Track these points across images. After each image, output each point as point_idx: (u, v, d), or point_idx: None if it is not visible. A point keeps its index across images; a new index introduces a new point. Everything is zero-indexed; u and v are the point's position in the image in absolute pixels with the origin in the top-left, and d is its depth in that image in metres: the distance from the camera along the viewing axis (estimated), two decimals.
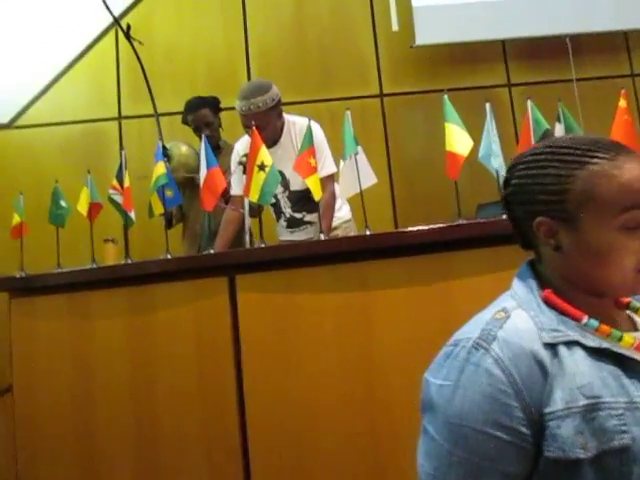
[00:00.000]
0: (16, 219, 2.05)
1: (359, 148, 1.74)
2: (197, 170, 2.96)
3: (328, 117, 3.90)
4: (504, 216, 1.65)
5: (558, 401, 0.70)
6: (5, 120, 3.86)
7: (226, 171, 2.50)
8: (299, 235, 2.65)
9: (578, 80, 3.88)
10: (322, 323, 1.63)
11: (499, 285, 1.62)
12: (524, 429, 0.70)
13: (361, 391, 1.57)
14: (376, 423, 1.56)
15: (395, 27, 3.97)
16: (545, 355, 0.72)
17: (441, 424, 0.73)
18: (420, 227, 1.62)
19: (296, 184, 2.49)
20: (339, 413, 1.57)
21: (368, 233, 1.66)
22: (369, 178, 1.75)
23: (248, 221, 2.12)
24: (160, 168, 1.82)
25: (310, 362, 1.62)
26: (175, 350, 1.74)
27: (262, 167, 1.76)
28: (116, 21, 3.33)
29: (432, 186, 3.81)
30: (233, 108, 3.75)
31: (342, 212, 2.67)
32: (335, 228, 2.54)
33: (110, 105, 3.92)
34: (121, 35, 3.87)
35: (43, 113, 3.87)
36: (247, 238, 2.10)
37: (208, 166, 1.80)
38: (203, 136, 1.88)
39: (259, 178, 1.75)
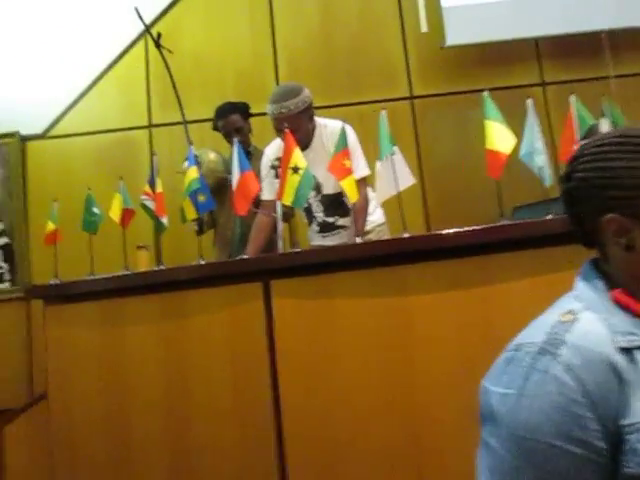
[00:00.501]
0: (50, 226, 2.06)
1: (395, 148, 1.69)
2: (225, 177, 2.95)
3: (357, 121, 3.84)
4: (549, 216, 1.59)
5: (638, 412, 0.63)
6: (39, 131, 3.92)
7: (256, 176, 2.48)
8: (332, 240, 2.60)
9: (616, 77, 3.76)
10: (360, 329, 1.57)
11: (541, 288, 1.56)
12: (599, 443, 0.63)
13: (401, 400, 1.51)
14: (418, 434, 1.49)
15: (424, 28, 3.91)
16: (620, 360, 0.66)
17: (505, 437, 0.67)
18: (459, 229, 1.55)
19: (328, 188, 2.45)
20: (378, 423, 1.51)
21: (406, 235, 1.60)
22: (406, 179, 1.69)
23: (281, 226, 2.08)
24: (192, 173, 1.80)
25: (348, 370, 1.56)
26: (209, 358, 1.70)
27: (296, 170, 1.72)
28: (147, 29, 3.35)
29: (464, 189, 3.73)
30: (262, 114, 3.77)
31: (375, 216, 2.61)
32: (368, 232, 2.49)
33: (140, 114, 3.95)
34: (150, 44, 3.90)
35: (75, 123, 3.92)
36: (280, 243, 2.06)
37: (241, 170, 1.77)
38: (235, 140, 1.85)
39: (293, 181, 1.71)
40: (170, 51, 3.15)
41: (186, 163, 2.94)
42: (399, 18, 3.99)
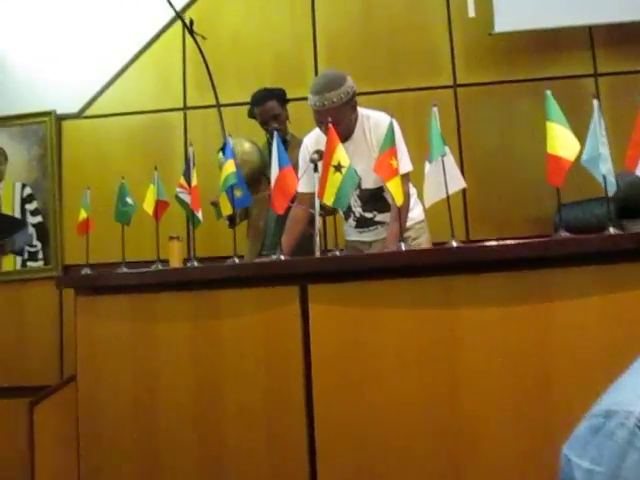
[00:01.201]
0: (82, 214, 2.01)
1: (447, 149, 1.58)
2: (260, 167, 2.86)
3: (397, 108, 3.71)
4: (611, 229, 1.46)
5: None
6: (75, 110, 3.89)
7: (294, 166, 2.39)
8: (368, 236, 2.51)
9: None
10: (401, 341, 1.49)
11: (606, 308, 1.45)
12: None
13: (444, 420, 1.42)
14: (460, 458, 1.41)
15: (472, 13, 3.72)
16: None
17: None
18: (516, 241, 1.44)
19: (368, 182, 2.35)
20: (418, 442, 1.43)
21: (454, 245, 1.49)
22: (457, 182, 1.58)
23: (318, 222, 2.00)
24: (229, 167, 1.72)
25: (387, 383, 1.48)
26: (242, 361, 1.64)
27: (338, 168, 1.62)
28: (178, 16, 3.26)
29: (508, 184, 3.58)
30: (300, 99, 3.67)
31: (415, 212, 2.50)
32: (407, 229, 2.38)
33: (175, 95, 3.88)
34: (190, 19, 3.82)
35: (110, 103, 3.88)
36: (317, 240, 1.97)
37: (280, 166, 1.68)
38: (275, 135, 1.75)
39: (335, 179, 1.61)
40: (204, 37, 3.06)
41: (220, 154, 2.87)
42: (445, 1, 3.80)
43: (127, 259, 2.04)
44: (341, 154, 1.63)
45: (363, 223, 2.43)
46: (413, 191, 2.47)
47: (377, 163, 1.62)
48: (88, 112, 3.90)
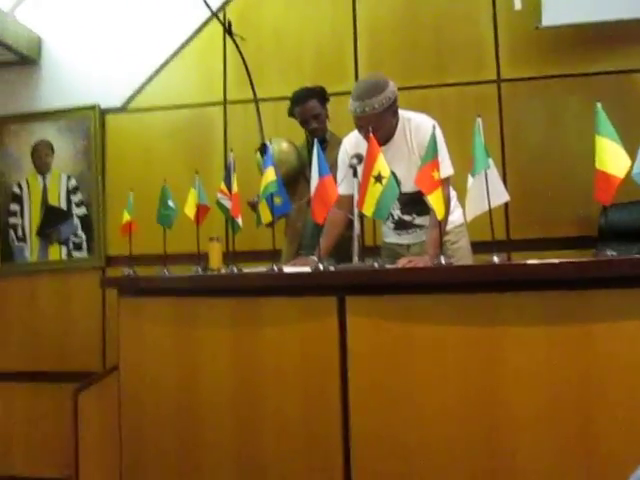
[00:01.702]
0: (126, 217, 2.05)
1: (490, 161, 1.54)
2: (298, 168, 2.86)
3: (438, 104, 3.65)
4: None
5: None
6: (118, 104, 3.96)
7: (332, 166, 2.38)
8: (407, 238, 2.49)
9: None
10: (441, 358, 1.47)
11: None
12: None
13: (482, 442, 1.41)
14: (497, 476, 1.39)
15: (518, 6, 3.60)
16: None
17: None
18: (561, 260, 1.41)
19: (408, 186, 2.31)
20: (455, 463, 1.42)
21: (496, 260, 1.46)
22: (500, 195, 1.55)
23: (357, 229, 1.99)
24: (270, 175, 1.73)
25: (425, 401, 1.47)
26: (279, 369, 1.66)
27: (379, 178, 1.61)
28: (217, 17, 3.27)
29: (551, 185, 3.47)
30: (340, 93, 3.64)
31: (454, 216, 2.47)
32: (447, 233, 2.36)
33: (216, 89, 3.90)
34: (229, 17, 3.83)
35: (153, 97, 3.93)
36: (356, 245, 1.96)
37: (320, 174, 1.68)
38: (316, 143, 1.75)
39: (375, 190, 1.60)
40: (243, 38, 3.07)
41: (258, 155, 2.88)
42: None
43: (168, 252, 2.08)
44: (382, 164, 1.61)
45: (402, 226, 2.41)
46: (453, 194, 2.43)
47: (419, 175, 1.59)
48: (131, 106, 3.96)
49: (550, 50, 3.58)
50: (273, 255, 2.62)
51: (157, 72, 3.92)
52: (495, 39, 3.66)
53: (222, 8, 3.84)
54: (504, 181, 3.57)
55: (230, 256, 1.87)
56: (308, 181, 2.83)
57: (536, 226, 3.47)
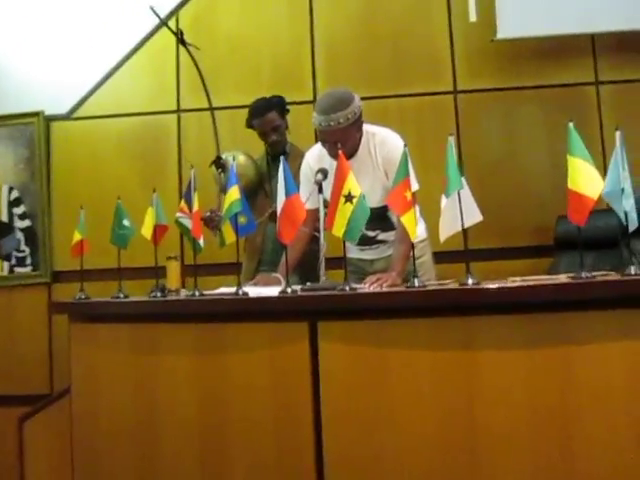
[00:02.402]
0: (77, 236, 1.92)
1: (464, 181, 1.51)
2: (256, 181, 2.76)
3: (397, 114, 3.65)
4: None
5: None
6: (64, 111, 3.77)
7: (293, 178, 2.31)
8: (370, 254, 2.45)
9: None
10: (417, 383, 1.43)
11: (629, 355, 1.40)
12: None
13: (461, 466, 1.37)
14: None
15: (473, 17, 3.63)
16: None
17: None
18: (540, 282, 1.38)
19: (372, 201, 2.25)
20: None
21: (470, 283, 1.43)
22: (474, 215, 1.52)
23: (324, 247, 1.93)
24: (234, 194, 1.64)
25: (401, 427, 1.42)
26: (248, 400, 1.57)
27: (349, 198, 1.55)
28: (167, 27, 3.14)
29: (508, 193, 3.52)
30: (298, 103, 3.58)
31: (418, 230, 2.41)
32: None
33: (169, 97, 3.77)
34: (183, 24, 3.71)
35: (102, 105, 3.76)
36: (322, 267, 1.90)
37: (287, 193, 1.60)
38: (282, 161, 1.67)
39: (345, 210, 1.54)
40: (197, 47, 2.96)
41: (213, 168, 2.77)
42: (446, 5, 3.72)
43: (122, 265, 1.96)
44: (352, 183, 1.56)
45: (366, 241, 2.36)
46: (417, 208, 2.40)
47: (391, 196, 1.55)
48: (78, 113, 3.78)
49: (505, 62, 3.64)
50: (232, 268, 2.52)
51: (106, 79, 3.75)
52: (451, 50, 3.69)
53: (174, 14, 3.72)
54: None
55: (192, 275, 1.76)
56: (268, 195, 2.76)
57: (495, 235, 3.50)
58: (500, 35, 3.50)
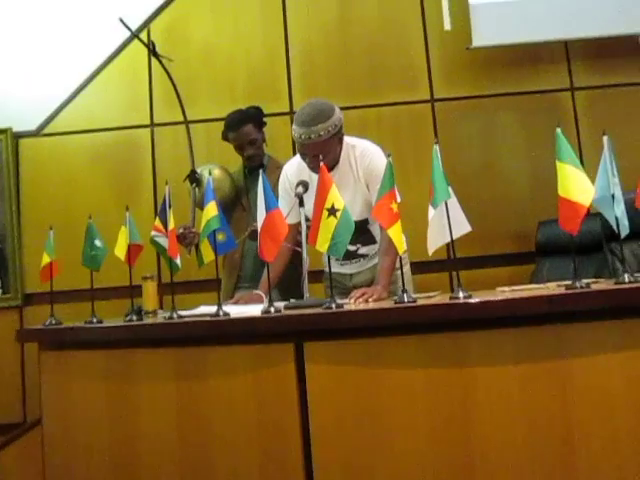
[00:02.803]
0: (45, 259, 1.81)
1: (451, 190, 1.45)
2: (232, 196, 2.68)
3: (374, 124, 3.62)
4: None
5: None
6: (33, 127, 3.65)
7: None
8: (349, 268, 2.40)
9: None
10: (409, 403, 1.36)
11: (627, 365, 1.36)
12: None
13: None
14: None
15: (447, 26, 3.63)
16: None
17: None
18: (532, 293, 1.33)
19: (353, 214, 2.17)
20: None
21: (461, 296, 1.37)
22: (462, 226, 1.47)
23: (307, 264, 1.86)
24: (211, 210, 1.56)
25: (394, 448, 1.35)
26: (232, 425, 1.49)
27: (333, 211, 1.49)
28: (136, 36, 3.07)
29: (488, 202, 3.51)
30: (274, 114, 3.52)
31: None
32: None
33: (142, 111, 3.69)
34: (155, 36, 3.63)
35: (72, 120, 3.66)
36: (306, 284, 1.83)
37: (268, 209, 1.53)
38: (261, 175, 1.60)
39: (329, 224, 1.48)
40: (171, 60, 2.89)
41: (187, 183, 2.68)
42: (421, 15, 3.72)
43: (96, 286, 1.87)
44: (335, 196, 1.49)
45: (346, 256, 2.30)
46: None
47: (376, 208, 1.49)
48: (48, 129, 3.67)
49: (481, 70, 3.64)
50: (211, 285, 2.44)
51: (76, 93, 3.66)
52: (427, 59, 3.68)
53: (146, 25, 3.64)
54: None
55: (169, 293, 1.68)
56: (245, 209, 2.68)
57: (474, 244, 3.46)
58: (475, 43, 3.51)
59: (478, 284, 2.00)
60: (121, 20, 2.77)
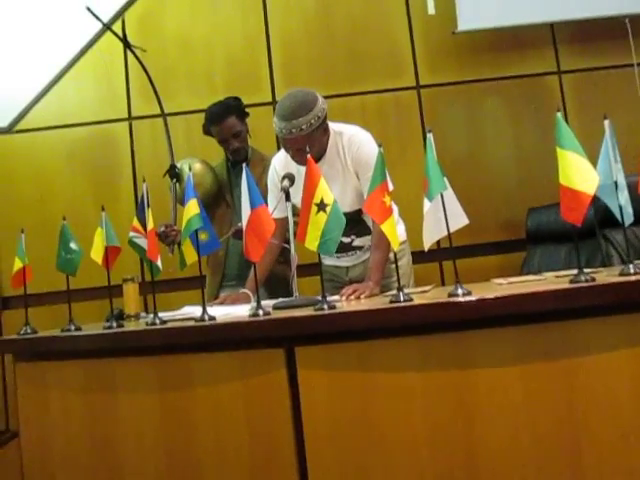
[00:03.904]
0: (17, 264, 1.71)
1: (446, 182, 1.38)
2: (215, 191, 2.56)
3: (359, 112, 3.53)
4: None
5: None
6: (4, 124, 3.50)
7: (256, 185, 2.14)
8: (346, 261, 2.31)
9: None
10: (408, 408, 1.29)
11: (637, 363, 1.30)
12: None
13: None
14: None
15: (432, 10, 3.54)
16: None
17: None
18: (538, 289, 1.26)
19: (344, 205, 2.12)
20: None
21: (460, 293, 1.30)
22: (459, 218, 1.39)
23: (295, 262, 1.78)
24: (192, 208, 1.46)
25: (393, 455, 1.28)
26: (220, 436, 1.40)
27: (322, 206, 1.40)
28: (108, 28, 2.93)
29: (476, 187, 3.44)
30: (255, 105, 3.41)
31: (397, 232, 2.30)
32: None
33: (119, 105, 3.56)
34: (130, 26, 3.49)
35: (45, 116, 3.52)
36: (294, 283, 1.75)
37: (252, 205, 1.44)
38: (245, 169, 1.50)
39: (319, 220, 1.39)
40: (144, 50, 2.77)
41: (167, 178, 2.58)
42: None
43: (74, 286, 1.78)
44: (324, 190, 1.41)
45: (341, 248, 2.21)
46: (395, 208, 2.28)
47: (367, 202, 1.40)
48: (20, 126, 3.53)
49: (467, 55, 3.56)
50: (195, 283, 2.35)
51: (49, 87, 3.52)
52: (412, 45, 3.59)
53: (120, 15, 3.50)
54: None
55: (151, 293, 1.58)
56: (229, 205, 2.57)
57: (462, 233, 3.39)
58: (461, 27, 3.43)
59: (469, 273, 1.93)
60: (89, 9, 2.63)
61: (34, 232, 2.72)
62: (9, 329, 3.39)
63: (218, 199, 2.57)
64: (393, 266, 2.24)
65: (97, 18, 2.69)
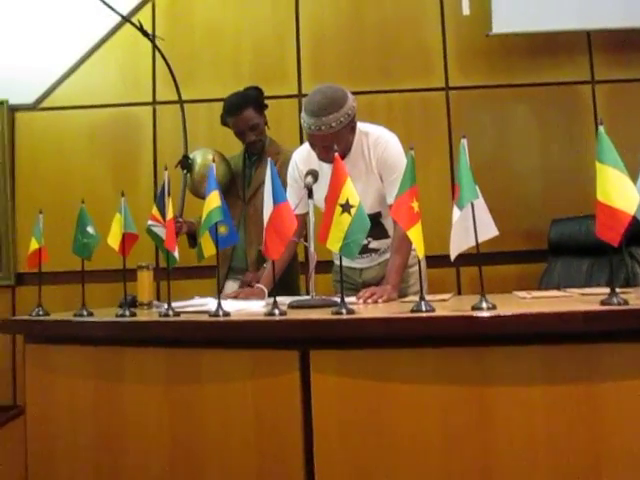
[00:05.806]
0: (34, 244, 1.69)
1: (478, 190, 1.33)
2: (225, 181, 2.49)
3: (385, 110, 3.47)
4: None
5: None
6: (30, 101, 3.50)
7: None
8: (360, 262, 2.27)
9: None
10: (423, 421, 1.24)
11: None
12: None
13: None
14: None
15: (466, 11, 3.47)
16: None
17: None
18: (562, 309, 1.21)
19: (365, 207, 2.03)
20: None
21: (485, 307, 1.25)
22: (489, 229, 1.34)
23: (314, 260, 1.74)
24: (213, 200, 1.43)
25: (405, 469, 1.24)
26: (227, 436, 1.37)
27: (347, 207, 1.36)
28: (124, 18, 2.90)
29: (501, 196, 3.37)
30: (280, 97, 3.37)
31: None
32: None
33: (144, 89, 3.54)
34: (159, 11, 3.48)
35: (70, 95, 3.52)
36: (312, 283, 1.71)
37: (275, 201, 1.40)
38: (270, 163, 1.47)
39: (343, 222, 1.35)
40: (162, 38, 2.74)
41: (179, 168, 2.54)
42: None
43: (89, 268, 1.76)
44: (350, 191, 1.36)
45: None
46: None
47: (395, 206, 1.36)
48: (45, 103, 3.53)
49: (499, 58, 3.49)
50: (207, 271, 2.31)
51: (76, 66, 3.51)
52: (443, 45, 3.53)
53: (149, 1, 3.48)
54: (453, 193, 3.45)
55: (165, 279, 1.56)
56: (240, 197, 2.52)
57: (486, 240, 3.33)
58: (495, 29, 3.35)
59: (487, 281, 1.88)
60: (105, 2, 2.58)
61: (53, 211, 2.72)
62: (21, 306, 3.40)
63: (230, 190, 2.51)
64: (409, 270, 2.24)
65: (111, 8, 2.65)
